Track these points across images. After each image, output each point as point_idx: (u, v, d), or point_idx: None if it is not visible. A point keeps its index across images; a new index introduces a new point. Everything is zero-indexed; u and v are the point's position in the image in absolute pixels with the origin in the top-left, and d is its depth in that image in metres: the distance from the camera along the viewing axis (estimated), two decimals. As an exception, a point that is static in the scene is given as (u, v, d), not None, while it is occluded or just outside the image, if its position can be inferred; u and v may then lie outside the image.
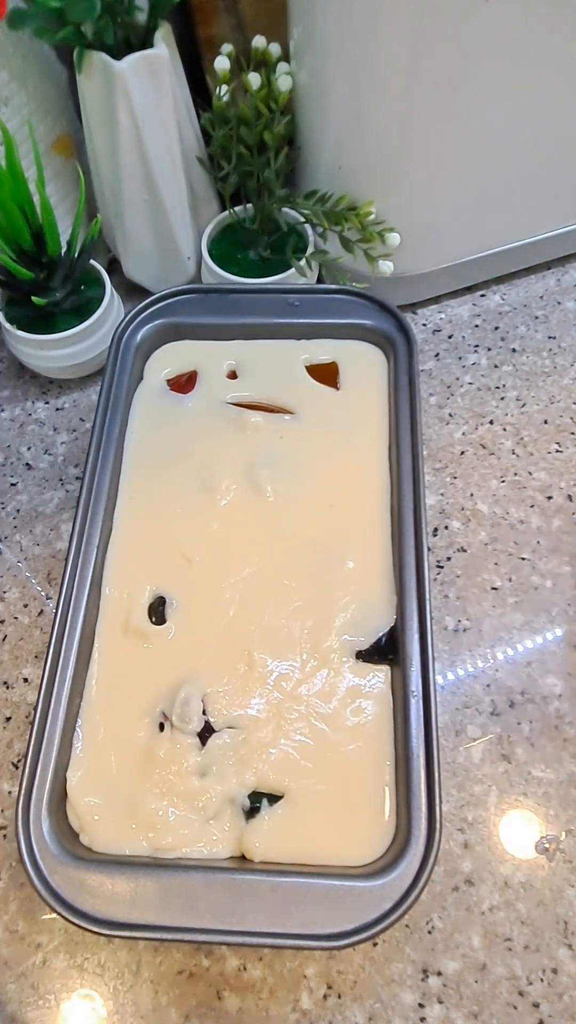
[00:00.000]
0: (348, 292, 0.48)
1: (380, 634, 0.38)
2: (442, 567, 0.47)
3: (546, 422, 0.52)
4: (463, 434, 0.52)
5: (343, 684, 0.37)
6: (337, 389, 0.47)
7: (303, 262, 0.52)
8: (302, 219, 0.54)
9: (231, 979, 0.37)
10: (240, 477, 0.43)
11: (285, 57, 0.50)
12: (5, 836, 0.41)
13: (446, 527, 0.49)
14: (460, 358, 0.56)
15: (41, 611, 0.48)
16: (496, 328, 0.57)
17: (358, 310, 0.48)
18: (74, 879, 0.33)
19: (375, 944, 0.37)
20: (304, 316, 0.48)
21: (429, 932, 0.38)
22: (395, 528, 0.41)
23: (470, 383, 0.55)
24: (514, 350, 0.56)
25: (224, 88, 0.49)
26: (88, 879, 0.33)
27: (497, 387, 0.54)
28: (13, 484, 0.53)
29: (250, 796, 0.35)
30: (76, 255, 0.50)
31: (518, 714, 0.42)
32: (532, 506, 0.49)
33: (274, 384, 0.47)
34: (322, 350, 0.48)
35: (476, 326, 0.57)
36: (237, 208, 0.55)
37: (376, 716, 0.37)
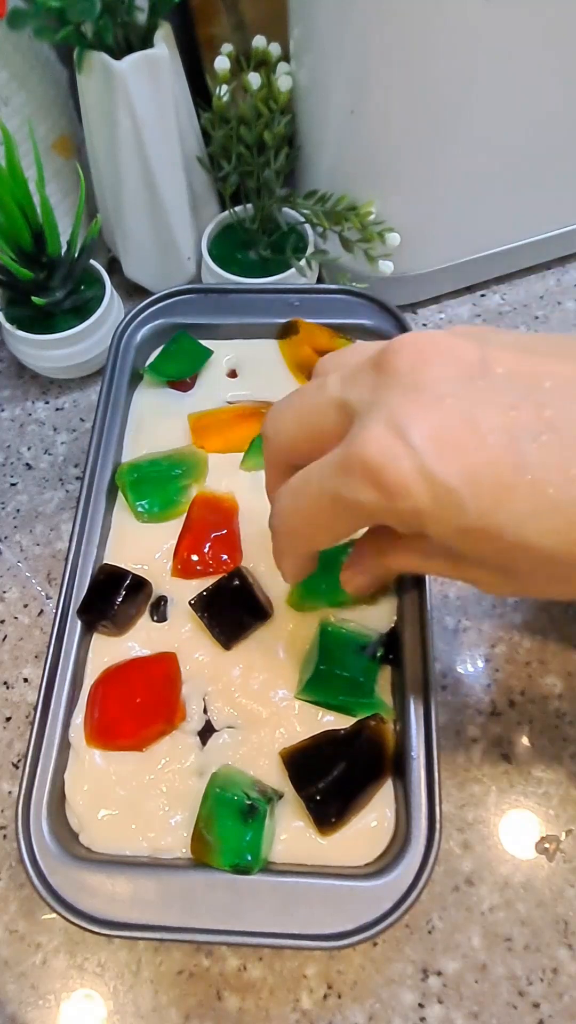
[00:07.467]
0: (348, 292, 0.48)
1: (380, 634, 0.38)
2: (442, 567, 0.47)
3: (546, 422, 0.52)
4: (463, 434, 0.52)
5: (343, 684, 0.37)
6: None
7: (303, 262, 0.52)
8: (302, 219, 0.54)
9: (231, 979, 0.37)
10: (240, 476, 0.43)
11: (285, 57, 0.50)
12: (5, 836, 0.41)
13: (446, 527, 0.49)
14: (460, 358, 0.56)
15: (41, 611, 0.48)
16: (496, 328, 0.57)
17: (358, 310, 0.48)
18: (74, 879, 0.33)
19: (375, 944, 0.37)
20: (304, 316, 0.48)
21: (429, 932, 0.38)
22: (395, 528, 0.41)
23: (470, 383, 0.55)
24: (514, 350, 0.56)
25: (224, 88, 0.49)
26: (88, 879, 0.33)
27: (497, 387, 0.54)
28: (13, 484, 0.53)
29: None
30: (76, 255, 0.50)
31: (518, 714, 0.42)
32: (532, 506, 0.49)
33: (274, 383, 0.47)
34: (322, 350, 0.48)
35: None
36: (237, 208, 0.55)
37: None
